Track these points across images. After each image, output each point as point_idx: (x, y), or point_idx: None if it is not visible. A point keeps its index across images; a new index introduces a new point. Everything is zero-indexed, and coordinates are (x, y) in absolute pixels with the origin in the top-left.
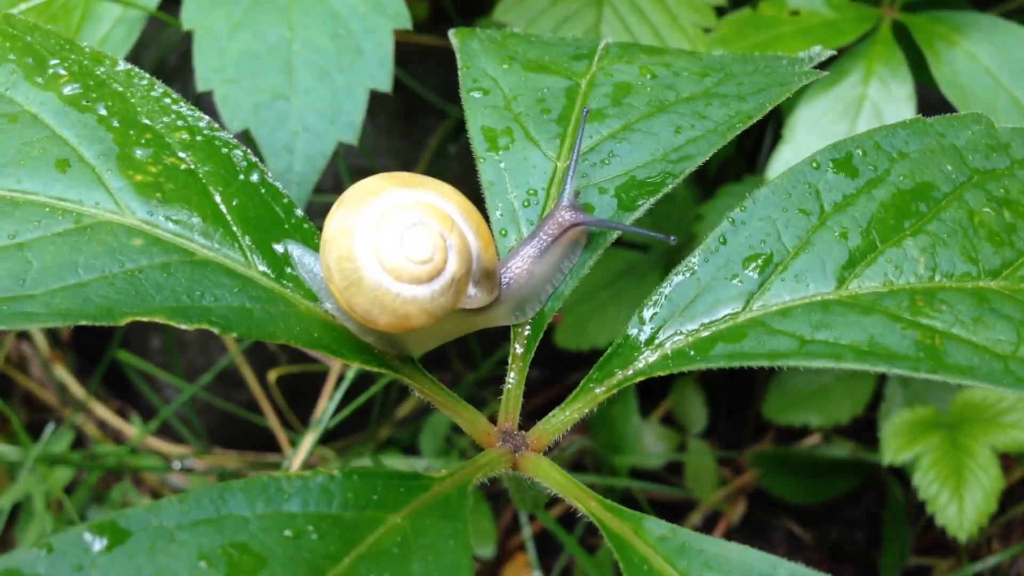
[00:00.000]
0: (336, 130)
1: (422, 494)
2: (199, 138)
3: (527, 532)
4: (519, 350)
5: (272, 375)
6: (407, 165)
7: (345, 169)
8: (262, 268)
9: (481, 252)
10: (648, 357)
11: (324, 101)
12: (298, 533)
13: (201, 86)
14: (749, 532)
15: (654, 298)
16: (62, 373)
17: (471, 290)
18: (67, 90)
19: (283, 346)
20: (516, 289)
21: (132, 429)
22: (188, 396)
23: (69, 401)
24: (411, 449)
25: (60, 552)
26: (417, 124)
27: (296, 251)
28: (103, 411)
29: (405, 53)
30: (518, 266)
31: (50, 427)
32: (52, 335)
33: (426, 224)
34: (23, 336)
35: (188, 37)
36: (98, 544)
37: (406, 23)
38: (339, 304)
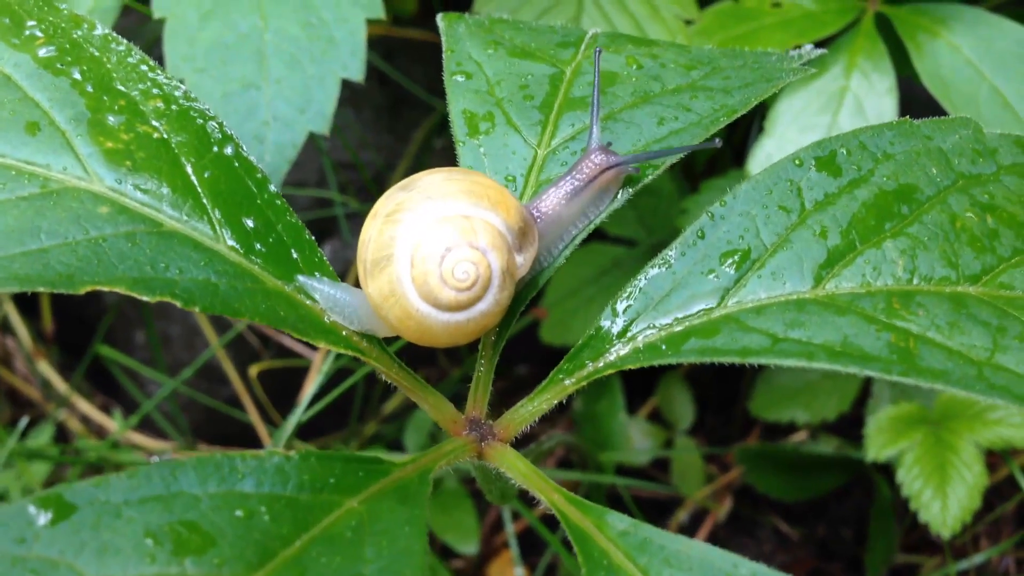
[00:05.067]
0: (307, 120)
1: (381, 479)
2: (174, 107)
3: (510, 529)
4: (492, 337)
5: (253, 370)
6: (392, 159)
7: (329, 164)
8: (231, 243)
9: (508, 222)
10: (620, 350)
11: (295, 90)
12: (250, 513)
13: (171, 75)
14: (736, 529)
15: (628, 291)
16: (46, 368)
17: (519, 260)
18: (42, 52)
19: (266, 342)
20: (545, 227)
21: (115, 425)
22: (169, 391)
23: (53, 397)
24: (396, 445)
25: (3, 524)
26: (403, 118)
27: (315, 286)
28: (87, 407)
29: (391, 47)
30: (547, 205)
31: (24, 420)
32: (36, 330)
33: (453, 248)
34: (7, 331)
35: None
36: (43, 518)
37: (379, 12)
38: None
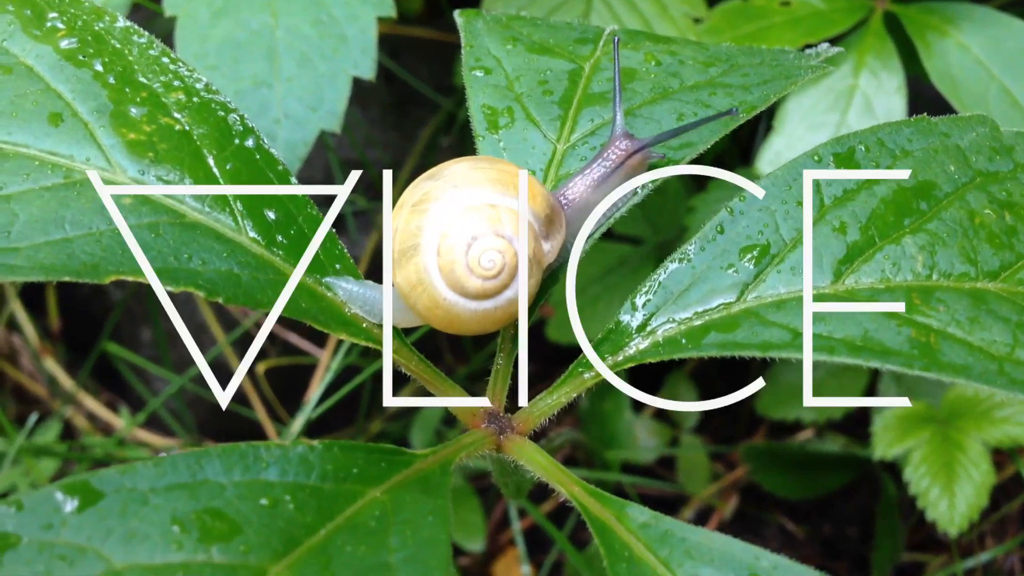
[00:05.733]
0: (318, 118)
1: (404, 469)
2: (195, 99)
3: (517, 526)
4: (511, 331)
5: (261, 367)
6: (399, 157)
7: (336, 162)
8: (252, 234)
9: (534, 209)
10: (639, 344)
11: (306, 88)
12: (274, 502)
13: None
14: (741, 527)
15: (648, 285)
16: (52, 365)
17: (546, 247)
18: (64, 44)
19: (272, 339)
20: (573, 214)
21: (121, 422)
22: (176, 388)
23: (59, 393)
24: (402, 443)
25: (30, 510)
26: (409, 116)
27: (342, 286)
28: (93, 404)
29: (398, 45)
30: (574, 192)
31: (33, 417)
32: (42, 327)
33: (480, 237)
34: (13, 328)
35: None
36: (69, 504)
37: (390, 10)
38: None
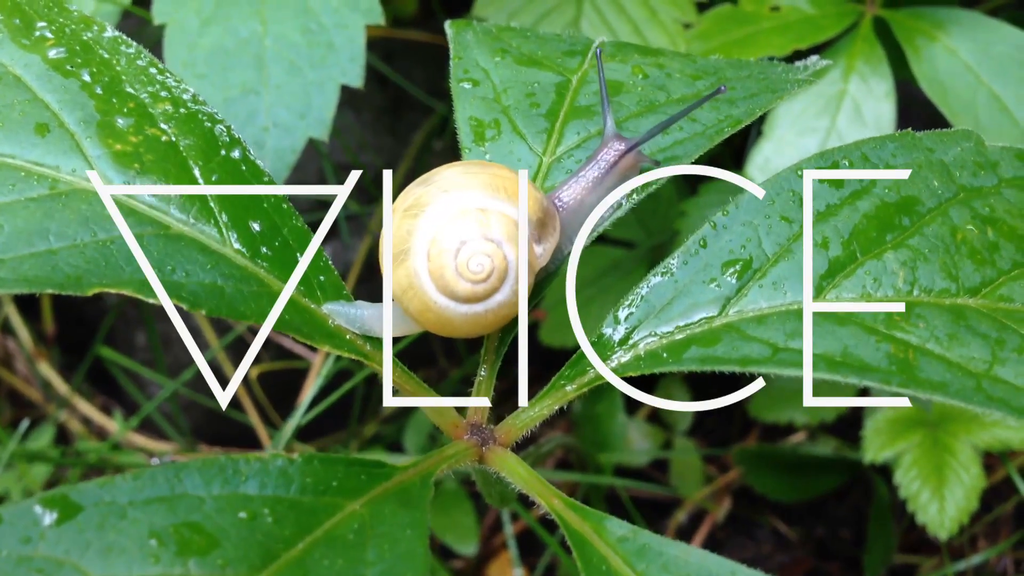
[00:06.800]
0: (306, 125)
1: (383, 482)
2: (183, 110)
3: (509, 530)
4: (495, 343)
5: (254, 372)
6: (392, 161)
7: (329, 167)
8: (237, 246)
9: (526, 214)
10: (621, 357)
11: (294, 96)
12: (253, 515)
13: None
14: (735, 530)
15: (630, 298)
16: (46, 370)
17: (538, 250)
18: (52, 53)
19: (266, 344)
20: (568, 217)
21: (116, 426)
22: (170, 392)
23: (53, 398)
24: (396, 447)
25: (9, 523)
26: (403, 119)
27: (330, 308)
28: (87, 408)
29: (391, 48)
30: (569, 195)
31: (25, 423)
32: (37, 331)
33: (468, 241)
34: (8, 332)
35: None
36: (48, 517)
37: (378, 18)
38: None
